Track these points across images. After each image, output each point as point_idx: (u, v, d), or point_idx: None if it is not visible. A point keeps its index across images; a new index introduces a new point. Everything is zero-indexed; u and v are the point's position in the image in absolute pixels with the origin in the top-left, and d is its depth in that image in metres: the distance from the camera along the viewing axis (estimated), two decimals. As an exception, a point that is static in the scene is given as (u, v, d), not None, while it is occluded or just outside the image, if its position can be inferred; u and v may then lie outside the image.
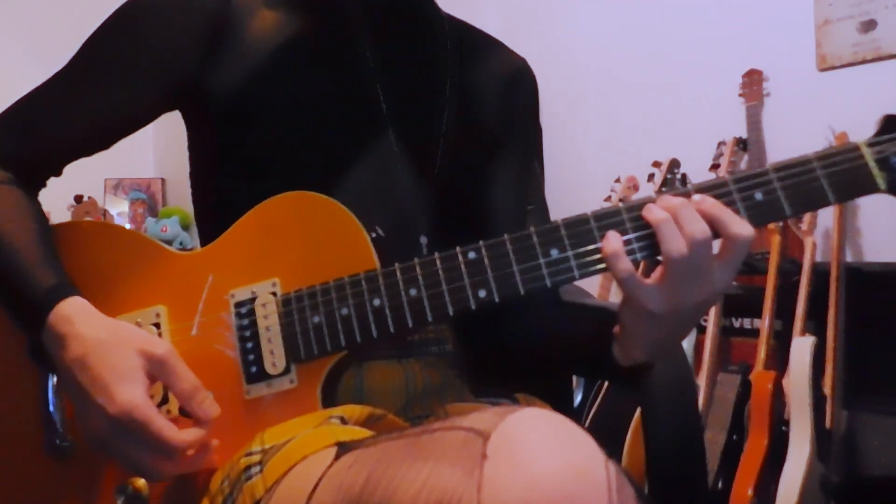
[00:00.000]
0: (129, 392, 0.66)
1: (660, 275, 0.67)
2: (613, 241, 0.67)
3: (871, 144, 0.67)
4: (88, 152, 0.86)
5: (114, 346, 0.68)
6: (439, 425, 0.54)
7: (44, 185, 0.88)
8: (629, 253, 0.67)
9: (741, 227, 0.65)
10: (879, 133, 0.68)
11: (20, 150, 0.83)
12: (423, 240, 0.85)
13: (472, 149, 0.91)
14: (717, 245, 0.67)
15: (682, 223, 0.65)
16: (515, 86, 0.97)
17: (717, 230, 0.66)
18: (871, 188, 0.67)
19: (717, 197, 0.67)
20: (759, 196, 0.67)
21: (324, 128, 0.83)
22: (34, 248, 0.75)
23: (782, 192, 0.67)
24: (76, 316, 0.70)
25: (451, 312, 0.70)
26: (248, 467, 0.65)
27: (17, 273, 0.73)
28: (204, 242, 0.83)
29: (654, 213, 0.66)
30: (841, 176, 0.67)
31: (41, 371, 0.78)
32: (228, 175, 0.84)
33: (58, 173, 0.87)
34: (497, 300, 0.69)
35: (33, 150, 0.83)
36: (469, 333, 0.92)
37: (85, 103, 0.82)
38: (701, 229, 0.65)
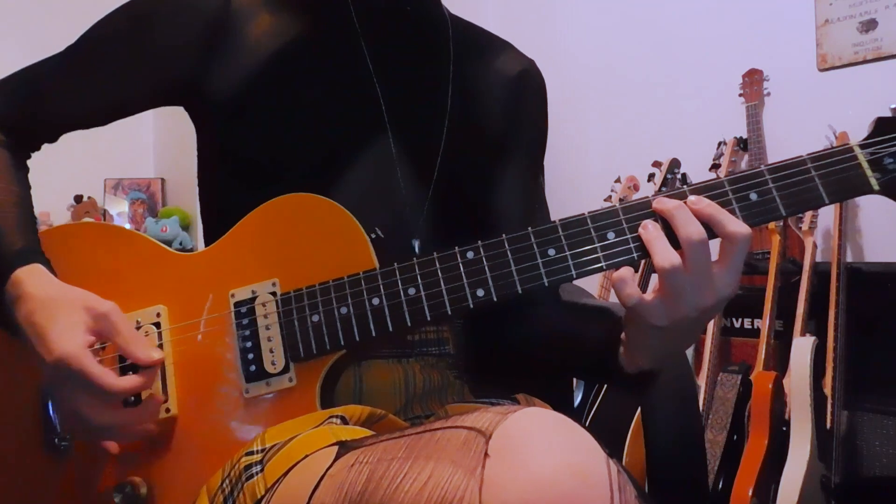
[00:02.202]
0: (66, 342, 0.69)
1: (660, 288, 0.67)
2: (622, 270, 0.67)
3: (864, 146, 0.68)
4: (85, 126, 0.88)
5: (59, 302, 0.71)
6: (441, 424, 0.54)
7: (37, 149, 0.90)
8: (625, 253, 0.68)
9: (737, 225, 0.66)
10: (872, 135, 0.68)
11: (19, 114, 0.85)
12: (415, 242, 0.84)
13: (476, 152, 0.90)
14: (715, 252, 0.67)
15: (677, 226, 0.65)
16: (521, 88, 0.96)
17: (713, 230, 0.66)
18: (865, 189, 0.67)
19: (712, 198, 0.67)
20: (753, 196, 0.68)
21: (323, 129, 0.83)
22: (9, 211, 0.78)
23: (777, 192, 0.67)
24: (29, 279, 0.73)
25: (449, 312, 0.70)
26: (249, 466, 0.65)
27: None
28: (208, 241, 0.83)
29: (646, 231, 0.67)
30: (834, 176, 0.67)
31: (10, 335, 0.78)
32: (230, 175, 0.84)
33: (53, 139, 0.89)
34: (495, 299, 0.70)
35: (31, 116, 0.86)
36: (469, 333, 0.92)
37: (84, 83, 0.85)
38: (697, 231, 0.65)
